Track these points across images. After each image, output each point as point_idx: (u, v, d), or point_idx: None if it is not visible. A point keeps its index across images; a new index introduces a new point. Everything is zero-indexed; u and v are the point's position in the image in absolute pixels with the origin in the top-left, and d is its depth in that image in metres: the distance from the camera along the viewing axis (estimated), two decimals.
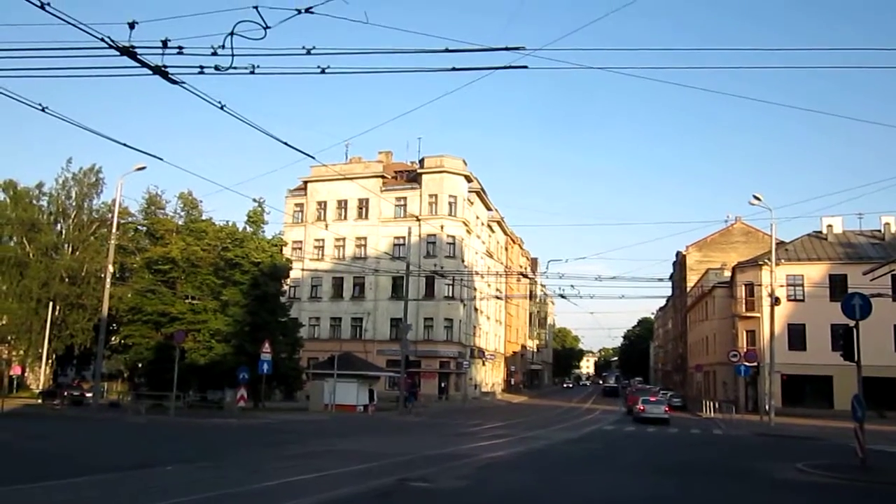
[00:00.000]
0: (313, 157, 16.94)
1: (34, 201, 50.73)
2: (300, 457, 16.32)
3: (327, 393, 38.64)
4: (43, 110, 11.82)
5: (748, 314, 48.87)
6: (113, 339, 43.01)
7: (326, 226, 56.76)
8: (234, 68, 9.83)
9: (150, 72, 10.06)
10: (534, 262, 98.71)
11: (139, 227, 44.12)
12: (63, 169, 51.80)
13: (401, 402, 40.32)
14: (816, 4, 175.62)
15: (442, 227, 54.45)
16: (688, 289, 73.40)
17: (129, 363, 39.94)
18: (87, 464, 14.51)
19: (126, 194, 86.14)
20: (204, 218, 40.30)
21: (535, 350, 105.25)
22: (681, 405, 55.48)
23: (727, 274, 56.85)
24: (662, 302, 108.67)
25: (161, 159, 16.20)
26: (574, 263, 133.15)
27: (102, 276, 37.69)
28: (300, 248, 59.14)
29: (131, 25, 9.50)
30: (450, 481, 12.72)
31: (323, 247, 59.96)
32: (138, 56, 9.77)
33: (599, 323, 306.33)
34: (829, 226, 50.95)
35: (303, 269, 57.11)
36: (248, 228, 40.07)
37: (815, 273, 47.15)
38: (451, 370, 55.89)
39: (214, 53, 9.64)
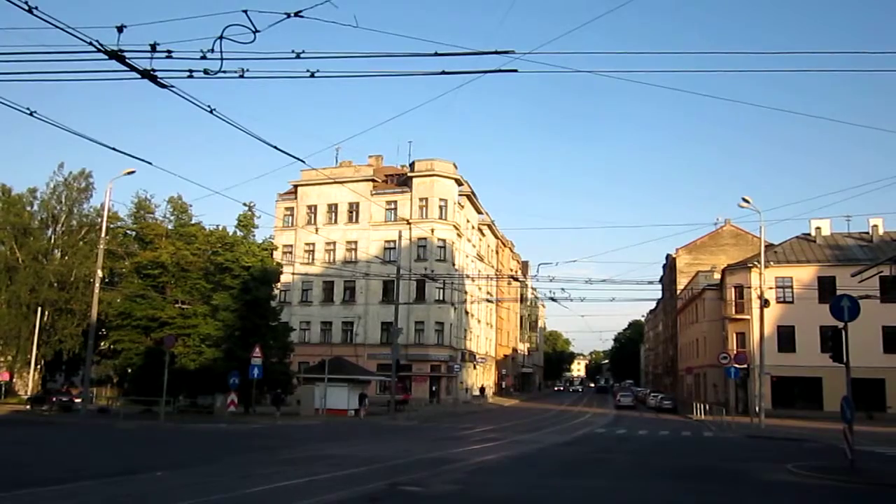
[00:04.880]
0: (303, 161, 17.00)
1: (27, 206, 50.46)
2: (291, 462, 16.25)
3: (318, 397, 38.56)
4: (31, 114, 11.77)
5: (738, 316, 49.07)
6: (102, 344, 42.74)
7: (317, 230, 56.68)
8: (224, 72, 9.83)
9: (139, 75, 10.03)
10: (524, 266, 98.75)
11: (128, 231, 43.85)
12: (55, 173, 51.61)
13: (391, 406, 40.23)
14: (806, 7, 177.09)
15: (432, 231, 54.45)
16: (678, 292, 73.62)
17: (118, 368, 39.70)
18: (75, 470, 14.42)
19: (115, 199, 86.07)
20: (194, 222, 40.14)
21: (526, 353, 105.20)
22: (671, 407, 55.65)
23: (717, 276, 57.06)
24: (653, 305, 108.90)
25: (150, 163, 16.14)
26: (565, 266, 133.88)
27: (91, 281, 37.47)
28: (290, 253, 58.99)
29: (119, 29, 9.47)
30: (441, 486, 12.69)
31: (313, 251, 59.81)
32: (127, 60, 9.74)
33: (590, 326, 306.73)
34: (818, 228, 51.25)
35: (293, 274, 56.99)
36: (239, 232, 39.96)
37: (803, 275, 47.40)
38: (442, 374, 55.82)
39: (204, 57, 9.62)
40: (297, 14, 10.00)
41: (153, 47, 9.61)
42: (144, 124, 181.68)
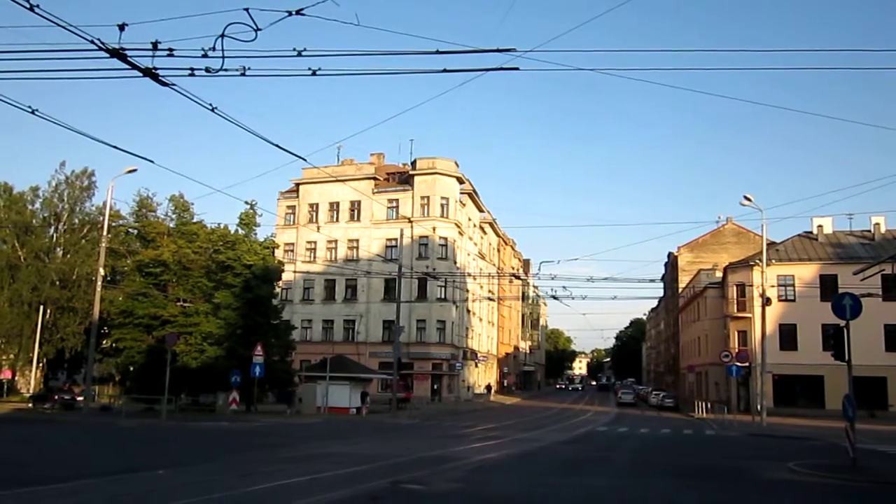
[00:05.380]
0: (305, 160, 16.99)
1: (29, 205, 50.52)
2: (292, 460, 16.26)
3: (320, 395, 38.58)
4: (33, 112, 11.78)
5: (740, 315, 49.03)
6: (104, 342, 42.79)
7: (318, 228, 56.66)
8: (225, 70, 9.82)
9: (141, 74, 10.02)
10: (526, 264, 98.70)
11: (130, 229, 43.87)
12: (56, 172, 51.70)
13: (393, 405, 40.24)
14: (808, 6, 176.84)
15: (434, 229, 54.42)
16: (679, 290, 73.59)
17: (120, 367, 39.73)
18: (77, 468, 14.45)
19: (117, 197, 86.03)
20: (195, 220, 40.13)
21: (528, 351, 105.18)
22: (673, 406, 55.65)
23: (719, 275, 57.02)
24: (654, 303, 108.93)
25: (152, 161, 16.14)
26: (566, 265, 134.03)
27: (93, 279, 37.48)
28: (292, 251, 58.99)
29: (121, 27, 9.46)
30: (442, 484, 12.70)
31: (315, 249, 59.85)
32: (128, 58, 9.73)
33: (591, 324, 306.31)
34: (820, 226, 51.19)
35: (295, 272, 56.96)
36: (240, 231, 39.93)
37: (805, 273, 47.36)
38: (443, 372, 55.81)
39: (205, 55, 9.62)
40: (298, 12, 9.99)
41: (155, 45, 9.61)
42: (146, 123, 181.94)
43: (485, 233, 73.87)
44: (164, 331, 34.36)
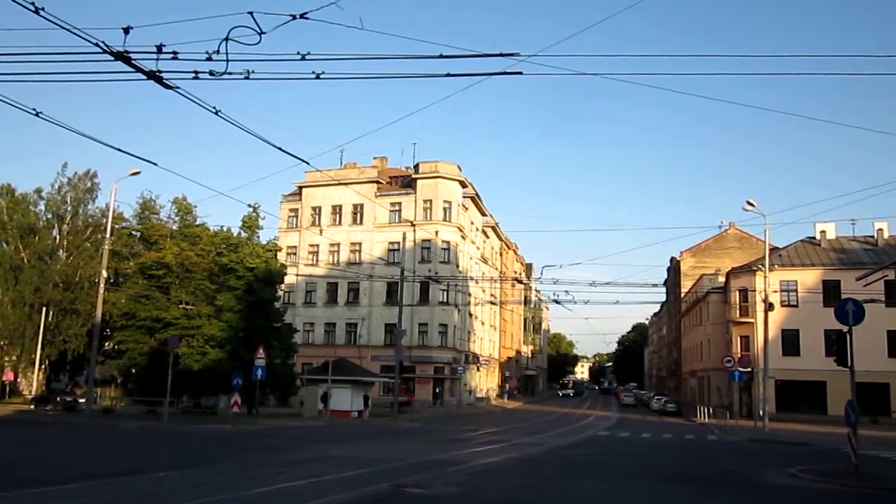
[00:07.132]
0: (308, 163, 17.02)
1: (32, 206, 50.62)
2: (294, 463, 16.26)
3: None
4: (37, 115, 11.79)
5: (742, 320, 48.94)
6: (106, 344, 42.82)
7: (321, 231, 56.70)
8: (229, 73, 9.85)
9: (145, 77, 10.06)
10: (528, 268, 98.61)
11: (133, 232, 43.94)
12: (59, 174, 51.81)
13: (395, 408, 40.22)
14: (812, 9, 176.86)
15: (437, 233, 54.41)
16: (682, 294, 73.49)
17: (122, 369, 39.74)
18: (79, 470, 14.45)
19: (121, 199, 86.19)
20: (198, 223, 40.20)
21: (530, 356, 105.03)
22: (675, 411, 55.51)
23: (721, 280, 56.96)
24: (657, 308, 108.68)
25: (155, 164, 16.17)
26: (569, 269, 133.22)
27: (96, 281, 37.54)
28: (295, 254, 59.01)
29: (126, 30, 9.49)
30: (444, 487, 12.69)
31: (317, 252, 59.86)
32: (133, 61, 9.77)
33: (594, 328, 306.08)
34: (823, 232, 51.12)
35: (297, 275, 57.01)
36: (243, 233, 39.99)
37: (808, 279, 47.27)
38: (445, 376, 55.77)
39: (209, 59, 9.65)
40: (302, 16, 10.02)
41: (159, 48, 9.64)
42: (150, 125, 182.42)
43: (487, 237, 73.85)
44: (167, 333, 34.41)
